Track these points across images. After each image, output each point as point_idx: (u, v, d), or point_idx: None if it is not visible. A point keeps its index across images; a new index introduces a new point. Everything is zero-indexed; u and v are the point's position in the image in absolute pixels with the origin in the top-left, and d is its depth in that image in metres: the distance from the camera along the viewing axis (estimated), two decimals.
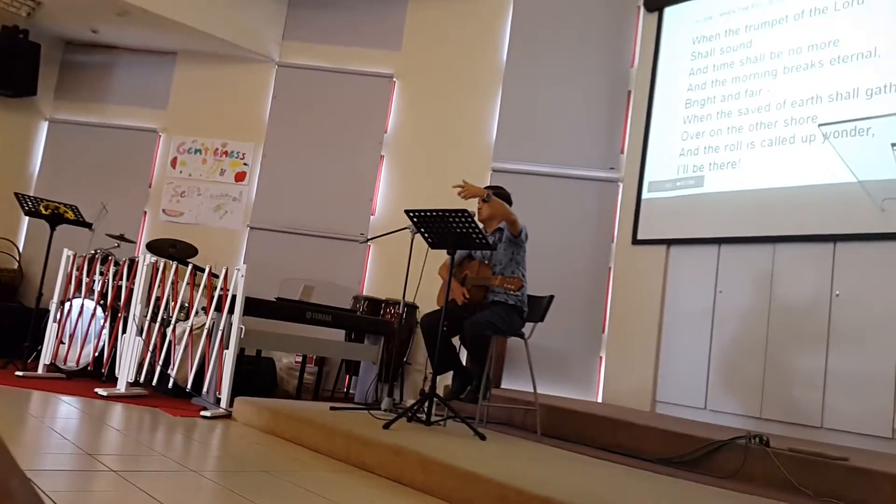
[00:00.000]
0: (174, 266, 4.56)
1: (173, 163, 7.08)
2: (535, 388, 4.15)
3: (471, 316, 4.06)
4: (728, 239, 5.17)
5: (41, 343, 4.97)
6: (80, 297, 5.02)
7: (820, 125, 2.89)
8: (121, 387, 4.38)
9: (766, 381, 4.73)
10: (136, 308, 4.51)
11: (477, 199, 4.31)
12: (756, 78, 5.28)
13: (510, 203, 4.37)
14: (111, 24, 6.73)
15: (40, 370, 4.86)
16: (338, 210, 6.68)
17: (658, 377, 5.40)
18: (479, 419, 4.04)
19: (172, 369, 4.34)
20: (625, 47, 6.36)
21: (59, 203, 5.25)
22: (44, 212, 5.16)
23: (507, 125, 6.48)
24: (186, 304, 4.63)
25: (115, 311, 4.84)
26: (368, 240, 6.13)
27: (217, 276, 4.31)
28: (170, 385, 4.37)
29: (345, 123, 6.82)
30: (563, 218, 6.19)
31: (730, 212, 5.19)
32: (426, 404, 3.71)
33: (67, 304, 5.02)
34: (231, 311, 4.16)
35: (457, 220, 3.63)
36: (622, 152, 6.19)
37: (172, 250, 5.38)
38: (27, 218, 6.65)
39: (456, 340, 4.34)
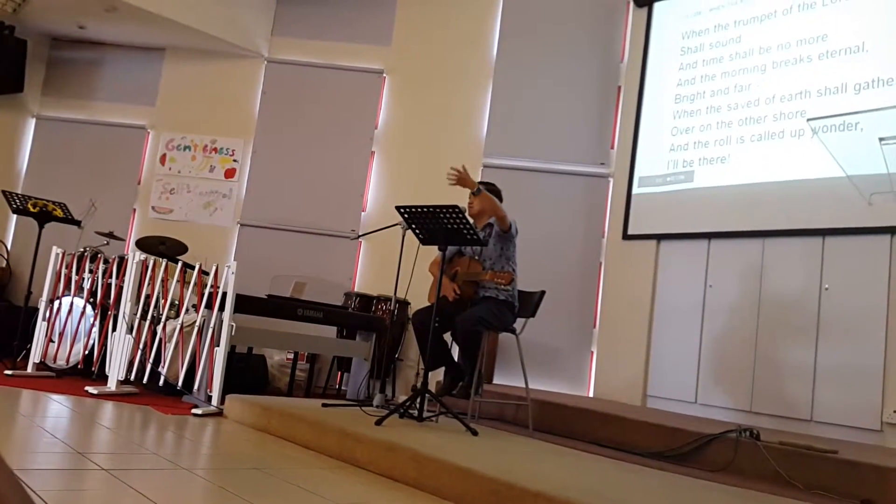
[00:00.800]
0: (164, 263, 4.53)
1: (162, 160, 7.04)
2: (526, 383, 4.16)
3: (462, 312, 4.06)
4: (718, 234, 5.19)
5: (30, 341, 4.94)
6: (69, 295, 4.99)
7: (809, 120, 2.90)
8: (111, 385, 4.36)
9: (756, 375, 4.76)
10: (125, 306, 4.48)
11: (468, 194, 4.32)
12: (745, 73, 5.30)
13: (500, 199, 4.37)
14: (98, 19, 6.68)
15: (30, 369, 4.83)
16: (328, 206, 6.67)
17: (649, 371, 5.43)
18: (471, 415, 4.05)
19: (163, 367, 4.32)
20: (614, 43, 6.37)
21: (48, 201, 5.21)
22: (32, 210, 5.13)
23: (497, 121, 6.49)
24: (177, 302, 4.61)
25: (105, 309, 4.82)
26: (359, 236, 6.12)
27: (207, 274, 4.29)
28: (160, 383, 4.35)
29: (335, 119, 6.81)
30: (554, 213, 6.20)
31: (719, 207, 5.22)
32: (418, 400, 3.71)
33: (57, 303, 4.99)
34: (221, 308, 4.14)
35: (447, 215, 3.63)
36: (612, 148, 6.21)
37: (162, 248, 5.36)
38: (15, 216, 6.60)
39: (448, 336, 4.34)
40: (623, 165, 5.96)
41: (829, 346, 4.45)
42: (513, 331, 4.18)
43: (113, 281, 4.83)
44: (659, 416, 4.44)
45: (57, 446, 2.75)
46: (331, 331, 5.67)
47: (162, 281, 4.49)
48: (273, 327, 4.91)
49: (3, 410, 3.50)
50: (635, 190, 5.81)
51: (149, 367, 4.36)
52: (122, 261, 4.86)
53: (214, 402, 4.01)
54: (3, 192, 5.25)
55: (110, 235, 5.52)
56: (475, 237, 3.71)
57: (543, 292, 4.27)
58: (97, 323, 4.82)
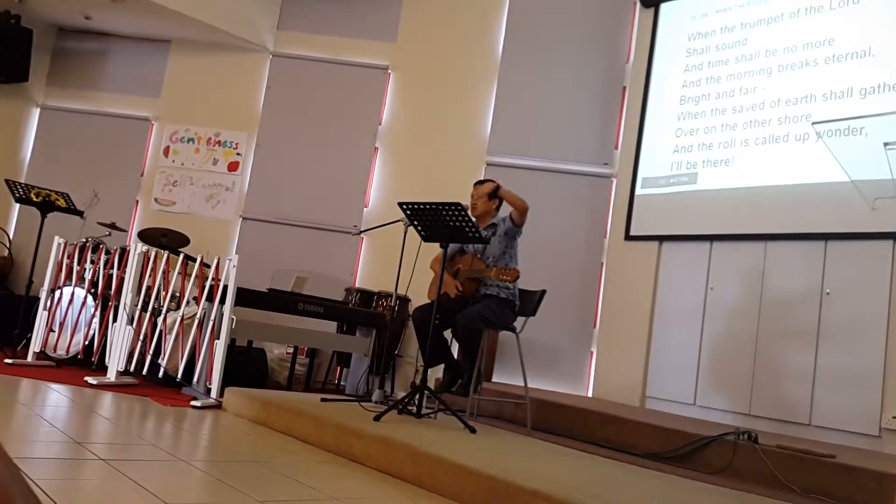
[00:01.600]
0: (165, 255, 4.54)
1: (166, 151, 7.04)
2: (525, 381, 4.16)
3: (463, 309, 4.06)
4: (720, 236, 5.19)
5: (31, 331, 4.95)
6: (70, 285, 4.99)
7: (814, 123, 2.90)
8: (111, 376, 4.37)
9: (756, 378, 4.76)
10: (126, 297, 4.49)
11: (471, 194, 4.33)
12: (751, 75, 5.29)
13: (499, 199, 4.39)
14: (105, 10, 6.68)
15: (30, 358, 4.84)
16: (331, 201, 6.67)
17: (648, 373, 5.42)
18: (469, 412, 4.05)
19: (163, 359, 4.33)
20: (620, 43, 6.36)
21: (51, 190, 5.21)
22: (35, 199, 5.13)
23: (501, 119, 6.48)
24: (177, 294, 4.62)
25: (106, 300, 4.82)
26: (361, 232, 6.13)
27: (208, 266, 4.29)
28: (160, 374, 4.36)
29: (339, 114, 6.80)
30: (557, 213, 6.19)
31: (722, 209, 5.21)
32: (417, 397, 3.71)
33: (58, 292, 5.00)
34: (222, 301, 4.15)
35: (450, 213, 3.63)
36: (616, 148, 6.20)
37: (164, 239, 5.36)
38: (18, 205, 6.61)
39: (448, 334, 4.34)
40: (626, 166, 5.95)
41: (830, 351, 4.45)
42: (513, 329, 4.18)
43: (114, 272, 4.83)
44: (657, 417, 4.44)
45: (56, 436, 2.75)
46: (331, 326, 5.67)
47: (163, 273, 4.50)
48: (273, 321, 4.91)
49: (3, 399, 3.50)
50: (638, 191, 5.80)
51: (149, 358, 4.37)
52: (123, 252, 4.86)
53: (213, 394, 4.01)
54: (7, 181, 5.25)
55: (112, 226, 5.52)
56: (478, 235, 3.71)
57: (544, 291, 4.27)
58: (98, 313, 4.82)
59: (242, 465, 2.69)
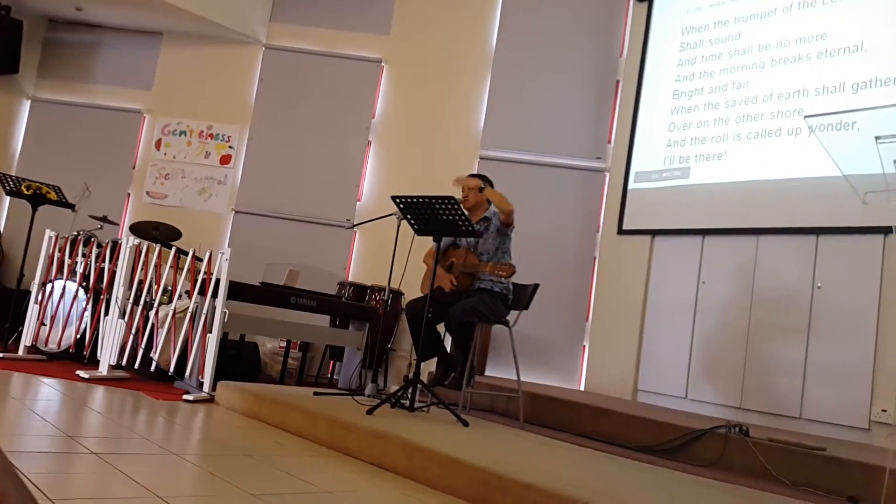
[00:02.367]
0: (157, 249, 4.52)
1: (157, 144, 7.01)
2: (518, 375, 4.17)
3: (456, 303, 4.06)
4: (712, 230, 5.20)
5: (22, 324, 4.92)
6: (62, 278, 4.97)
7: (806, 117, 2.90)
8: (102, 369, 4.35)
9: (747, 372, 4.78)
10: (118, 290, 4.47)
11: (463, 189, 4.33)
12: (744, 70, 5.30)
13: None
14: (96, 1, 6.63)
15: (21, 352, 4.82)
16: (324, 195, 6.65)
17: (640, 366, 5.44)
18: (462, 406, 4.06)
19: (155, 353, 4.32)
20: (614, 37, 6.36)
21: (42, 183, 5.18)
22: (25, 192, 5.10)
23: (495, 112, 6.48)
24: (169, 288, 4.60)
25: (98, 294, 4.80)
26: (354, 225, 6.12)
27: (201, 260, 4.28)
28: (152, 368, 4.35)
29: (332, 107, 6.78)
30: (550, 207, 6.20)
31: (715, 203, 5.22)
32: (410, 390, 3.72)
33: (49, 286, 4.98)
34: (215, 294, 4.14)
35: (443, 206, 3.63)
36: (609, 142, 6.21)
37: (156, 233, 5.34)
38: (8, 198, 6.57)
39: (441, 327, 4.34)
40: (619, 160, 5.96)
41: (820, 345, 4.47)
42: (506, 323, 4.19)
43: (106, 265, 4.81)
44: (649, 410, 4.46)
45: (47, 429, 2.74)
46: (324, 319, 5.67)
47: (155, 266, 4.48)
48: (266, 315, 4.91)
49: None
50: (631, 185, 5.81)
51: (140, 352, 4.36)
52: (115, 245, 4.84)
53: (206, 388, 4.01)
54: None
55: (104, 219, 5.50)
56: (471, 229, 3.71)
57: (537, 285, 4.27)
58: (89, 307, 4.81)
59: (235, 458, 2.69)
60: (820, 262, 4.58)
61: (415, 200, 3.69)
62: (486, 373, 5.68)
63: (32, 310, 4.91)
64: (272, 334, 5.50)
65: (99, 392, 3.88)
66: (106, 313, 4.57)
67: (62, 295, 4.94)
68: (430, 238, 3.86)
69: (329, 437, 3.13)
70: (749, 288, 4.91)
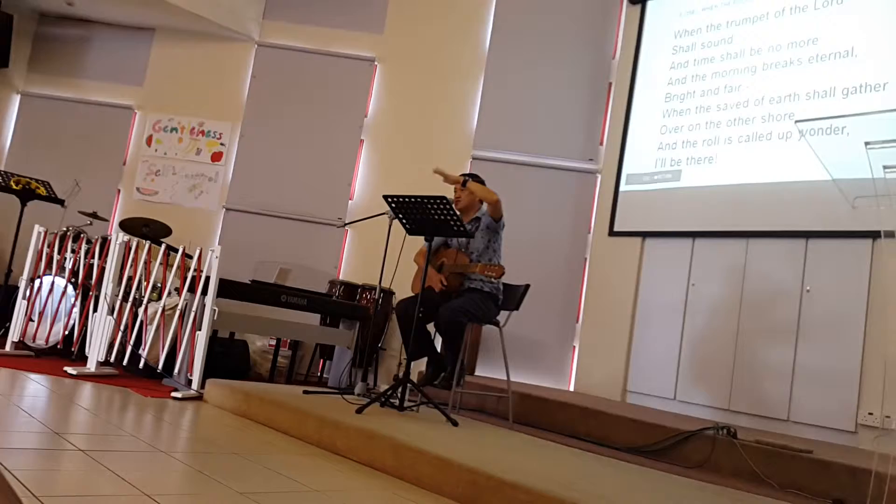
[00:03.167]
0: (147, 245, 4.50)
1: (148, 141, 6.98)
2: (508, 375, 4.17)
3: (446, 303, 4.06)
4: (702, 233, 5.22)
5: (10, 320, 4.89)
6: (50, 274, 4.94)
7: (797, 121, 2.92)
8: (91, 366, 4.33)
9: (736, 374, 4.81)
10: (107, 287, 4.45)
11: (454, 188, 4.32)
12: (736, 74, 5.32)
13: None
14: None
15: (8, 347, 4.79)
16: (315, 193, 6.64)
17: (629, 367, 5.46)
18: (451, 405, 4.06)
19: (144, 349, 4.29)
20: (607, 39, 6.38)
21: (31, 178, 5.15)
22: (14, 187, 5.07)
23: (487, 113, 6.48)
24: (159, 285, 4.58)
25: (87, 290, 4.77)
26: (346, 224, 6.11)
27: (191, 257, 4.26)
28: (141, 365, 4.32)
29: (324, 106, 6.77)
30: (542, 208, 6.21)
31: (705, 206, 5.25)
32: (399, 390, 3.71)
33: (38, 282, 4.94)
34: (204, 292, 4.12)
35: (435, 206, 3.63)
36: (601, 144, 6.22)
37: (146, 229, 5.32)
38: None
39: (431, 327, 4.34)
40: (611, 162, 5.98)
41: (809, 348, 4.50)
42: (496, 323, 4.19)
43: (95, 261, 4.79)
44: (638, 411, 4.47)
45: (34, 426, 2.73)
46: (314, 318, 5.66)
47: (145, 263, 4.46)
48: (256, 313, 4.89)
49: None
50: (623, 187, 5.83)
51: (129, 349, 4.33)
52: (104, 241, 4.82)
53: (195, 386, 3.99)
54: None
55: (94, 215, 5.46)
56: (462, 229, 3.71)
57: (528, 286, 4.28)
58: (78, 303, 4.78)
59: (223, 456, 2.68)
60: (809, 266, 4.61)
61: (406, 200, 3.69)
62: (476, 373, 5.69)
63: (20, 305, 4.88)
64: (262, 332, 5.49)
65: (87, 389, 3.86)
66: (95, 310, 4.54)
67: (51, 291, 4.91)
68: (422, 237, 3.86)
69: (318, 435, 3.12)
70: (738, 291, 4.93)
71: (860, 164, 2.59)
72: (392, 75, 6.80)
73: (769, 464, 3.31)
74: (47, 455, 2.35)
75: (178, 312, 4.22)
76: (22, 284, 4.92)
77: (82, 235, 5.03)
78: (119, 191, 6.94)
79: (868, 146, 2.54)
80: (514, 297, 4.28)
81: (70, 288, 4.89)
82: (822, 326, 4.46)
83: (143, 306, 4.39)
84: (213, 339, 4.27)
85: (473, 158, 6.37)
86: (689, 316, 5.19)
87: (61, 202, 5.28)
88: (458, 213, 3.76)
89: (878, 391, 4.12)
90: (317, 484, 2.44)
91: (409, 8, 6.83)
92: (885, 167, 2.57)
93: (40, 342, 4.85)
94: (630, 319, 5.53)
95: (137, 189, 6.91)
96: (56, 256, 4.94)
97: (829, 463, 3.19)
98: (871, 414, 4.14)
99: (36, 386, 3.71)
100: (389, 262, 4.10)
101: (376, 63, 6.80)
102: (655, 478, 3.06)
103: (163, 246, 4.50)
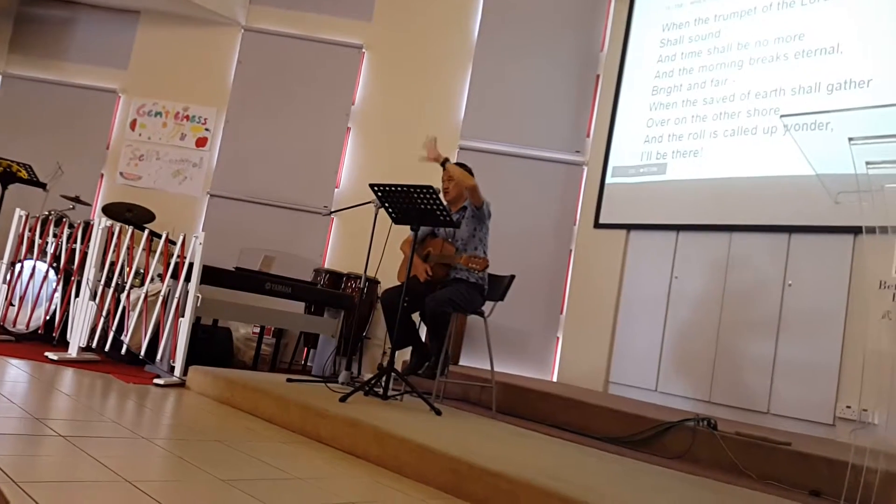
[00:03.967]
0: (130, 231, 4.46)
1: (132, 125, 6.90)
2: (492, 365, 4.19)
3: (432, 292, 4.06)
4: (686, 226, 5.26)
5: None
6: (31, 258, 4.89)
7: (782, 116, 2.93)
8: (72, 351, 4.30)
9: (717, 366, 4.85)
10: (89, 272, 4.41)
11: (442, 179, 4.31)
12: (722, 68, 5.34)
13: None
14: None
15: None
16: (301, 181, 6.61)
17: (612, 359, 5.50)
18: (435, 395, 4.07)
19: (126, 335, 4.26)
20: (595, 31, 6.38)
21: (12, 161, 5.08)
22: None
23: (475, 103, 6.47)
24: (142, 271, 4.54)
25: (68, 275, 4.73)
26: (332, 212, 6.09)
27: (174, 243, 4.23)
28: (123, 351, 4.30)
29: (311, 93, 6.73)
30: (528, 199, 6.22)
31: (690, 199, 5.28)
32: (384, 379, 3.72)
33: (18, 266, 4.89)
34: (188, 278, 4.09)
35: (421, 196, 3.62)
36: (588, 136, 6.23)
37: (129, 214, 5.27)
38: None
39: (416, 316, 4.34)
40: (598, 154, 5.99)
41: (789, 342, 4.55)
42: (481, 314, 4.20)
43: (77, 246, 4.74)
44: (620, 402, 4.51)
45: (13, 411, 2.70)
46: (299, 306, 5.63)
47: (127, 248, 4.42)
48: (240, 300, 4.86)
49: None
50: (608, 179, 5.85)
51: (111, 334, 4.30)
52: (87, 226, 4.77)
53: (177, 372, 3.97)
54: None
55: (76, 200, 5.41)
56: (448, 219, 3.71)
57: (513, 277, 4.29)
58: (60, 288, 4.73)
59: (206, 444, 2.68)
60: (791, 260, 4.65)
61: (393, 189, 3.68)
62: (461, 362, 5.70)
63: (1, 290, 4.82)
64: (246, 320, 5.46)
65: (68, 374, 3.83)
66: (77, 295, 4.50)
67: (32, 275, 4.86)
68: (408, 227, 3.85)
69: (301, 423, 3.12)
70: (721, 284, 4.97)
71: (843, 160, 2.62)
72: (380, 63, 6.76)
73: (748, 455, 3.35)
74: (27, 441, 2.33)
75: (160, 299, 4.19)
76: (3, 268, 4.87)
77: (64, 220, 4.98)
78: (102, 175, 6.87)
79: (852, 142, 2.56)
80: (499, 287, 4.29)
81: (52, 272, 4.84)
82: (803, 320, 4.51)
83: (126, 292, 4.36)
84: (197, 326, 4.24)
85: (461, 148, 6.36)
86: (671, 308, 5.23)
87: (43, 186, 5.22)
88: (444, 203, 3.76)
89: (857, 385, 4.17)
90: (299, 471, 2.44)
91: None
92: (867, 163, 2.60)
93: (21, 327, 4.81)
94: (614, 311, 5.56)
95: (121, 174, 6.84)
96: (38, 240, 4.89)
97: (808, 455, 3.23)
98: (848, 407, 4.19)
99: (16, 371, 3.68)
100: (375, 250, 4.09)
101: (364, 50, 6.76)
102: (636, 468, 3.09)
103: (146, 231, 4.46)
